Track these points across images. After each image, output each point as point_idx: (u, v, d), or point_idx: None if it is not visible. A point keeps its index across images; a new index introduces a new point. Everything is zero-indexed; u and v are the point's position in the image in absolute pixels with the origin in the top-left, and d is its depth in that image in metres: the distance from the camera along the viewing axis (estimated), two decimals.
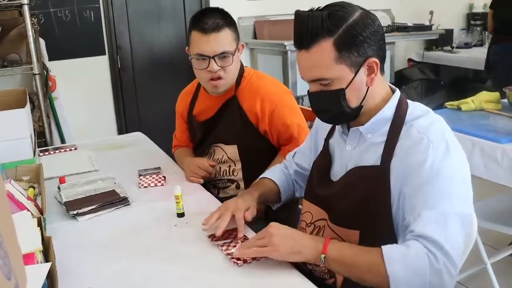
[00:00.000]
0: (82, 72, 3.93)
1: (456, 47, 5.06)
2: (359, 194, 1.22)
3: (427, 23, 4.97)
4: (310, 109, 1.36)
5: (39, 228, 1.20)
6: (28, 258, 1.03)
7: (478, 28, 5.27)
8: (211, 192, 1.84)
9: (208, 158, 1.92)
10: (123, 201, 1.66)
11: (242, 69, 1.89)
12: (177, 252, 1.35)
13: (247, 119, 1.85)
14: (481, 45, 5.14)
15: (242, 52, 1.86)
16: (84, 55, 3.92)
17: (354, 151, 1.29)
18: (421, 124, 1.20)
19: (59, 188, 1.77)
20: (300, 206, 1.51)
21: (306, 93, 1.31)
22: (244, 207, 1.42)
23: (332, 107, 1.24)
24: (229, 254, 1.29)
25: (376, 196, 1.19)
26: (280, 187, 1.58)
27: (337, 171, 1.33)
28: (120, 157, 2.19)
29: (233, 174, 1.88)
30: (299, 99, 3.96)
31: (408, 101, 1.28)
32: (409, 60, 5.32)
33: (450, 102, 2.57)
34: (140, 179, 1.86)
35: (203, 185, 1.84)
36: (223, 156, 1.89)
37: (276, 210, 1.67)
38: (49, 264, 1.02)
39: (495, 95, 2.52)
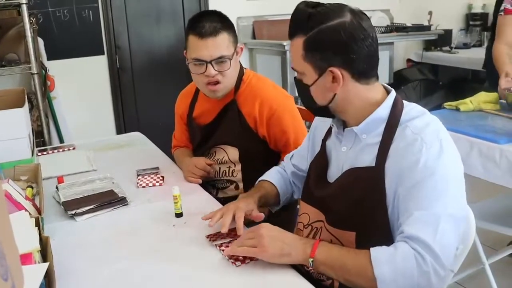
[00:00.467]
0: (81, 72, 3.92)
1: (455, 48, 5.06)
2: (355, 195, 1.22)
3: (426, 23, 4.97)
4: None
5: (37, 228, 1.20)
6: (26, 258, 1.03)
7: (477, 29, 5.27)
8: (210, 193, 1.84)
9: (208, 158, 1.92)
10: (121, 201, 1.66)
11: (241, 71, 1.88)
12: (175, 252, 1.35)
13: (246, 123, 1.84)
14: (480, 45, 5.14)
15: (241, 54, 1.84)
16: (83, 55, 3.91)
17: (350, 152, 1.29)
18: (416, 125, 1.19)
19: (57, 188, 1.77)
20: (299, 207, 1.50)
21: None
22: (245, 208, 1.42)
23: (303, 97, 1.31)
24: (227, 254, 1.29)
25: (371, 197, 1.19)
26: (279, 190, 1.58)
27: (333, 173, 1.33)
28: (118, 157, 2.19)
29: (232, 175, 1.88)
30: (297, 99, 3.97)
31: (404, 101, 1.28)
32: (408, 60, 5.32)
33: (449, 103, 2.56)
34: (139, 179, 1.86)
35: (202, 185, 1.84)
36: (223, 157, 1.88)
37: (277, 211, 1.67)
38: (46, 264, 1.02)
39: (494, 95, 2.52)
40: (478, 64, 4.34)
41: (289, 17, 1.26)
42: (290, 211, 1.74)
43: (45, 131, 3.26)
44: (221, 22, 1.73)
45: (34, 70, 3.04)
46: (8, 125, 1.77)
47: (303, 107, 1.90)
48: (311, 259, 1.16)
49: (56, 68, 3.53)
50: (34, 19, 3.21)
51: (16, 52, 3.11)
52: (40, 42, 3.36)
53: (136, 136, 2.55)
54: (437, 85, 5.14)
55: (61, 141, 3.41)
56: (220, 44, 1.71)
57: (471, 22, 5.36)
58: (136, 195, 1.73)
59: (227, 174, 1.89)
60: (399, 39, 4.80)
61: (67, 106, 3.58)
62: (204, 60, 1.71)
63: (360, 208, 1.21)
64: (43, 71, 3.33)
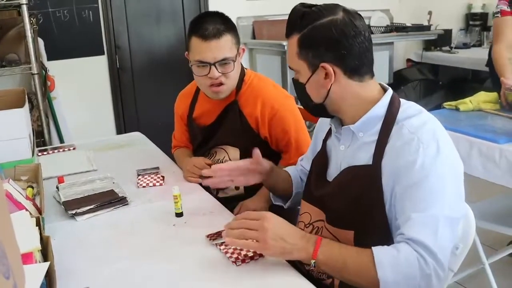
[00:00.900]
0: (81, 72, 3.93)
1: (455, 48, 5.06)
2: (353, 193, 1.23)
3: (426, 23, 4.98)
4: None
5: (37, 227, 1.20)
6: (27, 258, 1.03)
7: (477, 29, 5.27)
8: (210, 192, 1.84)
9: (209, 158, 1.92)
10: (122, 200, 1.66)
11: (242, 72, 1.88)
12: (175, 252, 1.35)
13: (247, 124, 1.84)
14: (480, 45, 5.14)
15: (243, 55, 1.84)
16: (83, 55, 3.92)
17: (347, 150, 1.29)
18: (413, 123, 1.20)
19: (57, 187, 1.77)
20: (299, 206, 1.51)
21: None
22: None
23: (300, 96, 1.33)
24: (226, 252, 1.29)
25: (369, 195, 1.20)
26: (292, 177, 1.60)
27: (332, 172, 1.34)
28: (118, 157, 2.20)
29: None
30: (297, 99, 3.97)
31: (402, 100, 1.28)
32: (408, 60, 5.32)
33: (448, 103, 2.57)
34: (139, 179, 1.86)
35: (202, 184, 1.84)
36: (224, 157, 1.89)
37: (278, 209, 1.67)
38: (47, 264, 1.02)
39: (493, 95, 2.52)
40: (478, 64, 4.35)
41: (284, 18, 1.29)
42: (291, 210, 1.74)
43: (46, 131, 3.26)
44: (224, 24, 1.73)
45: (35, 70, 3.04)
46: (9, 125, 1.77)
47: (301, 107, 1.90)
48: (313, 261, 1.15)
49: (56, 68, 3.53)
50: (34, 19, 3.21)
51: (17, 52, 3.11)
52: (40, 42, 3.36)
53: (136, 136, 2.55)
54: (437, 85, 5.14)
55: (61, 141, 3.41)
56: (224, 46, 1.71)
57: (471, 22, 5.36)
58: (136, 195, 1.73)
59: None
60: (399, 39, 4.81)
61: (67, 106, 3.58)
62: (208, 62, 1.72)
63: (358, 206, 1.21)
64: (43, 71, 3.33)
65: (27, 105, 1.91)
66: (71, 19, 3.81)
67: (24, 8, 2.94)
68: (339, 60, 1.22)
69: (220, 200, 1.75)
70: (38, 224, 1.22)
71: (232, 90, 1.84)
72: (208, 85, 1.77)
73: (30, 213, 1.31)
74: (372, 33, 4.70)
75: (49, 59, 3.46)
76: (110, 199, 1.65)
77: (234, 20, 1.83)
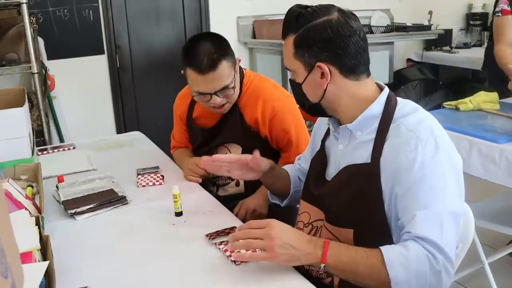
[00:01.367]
0: (81, 71, 3.93)
1: (455, 47, 5.06)
2: (351, 192, 1.23)
3: (426, 23, 4.97)
4: None
5: (37, 227, 1.20)
6: (26, 257, 1.03)
7: (477, 28, 5.27)
8: (210, 190, 1.84)
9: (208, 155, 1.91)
10: (121, 200, 1.66)
11: (241, 75, 1.87)
12: (175, 251, 1.35)
13: (247, 125, 1.85)
14: (480, 45, 5.14)
15: (239, 64, 1.84)
16: (83, 55, 3.92)
17: (346, 149, 1.30)
18: (410, 121, 1.20)
19: (57, 187, 1.77)
20: (298, 206, 1.51)
21: None
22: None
23: (297, 96, 1.34)
24: (225, 250, 1.29)
25: (367, 194, 1.20)
26: (290, 175, 1.60)
27: (331, 171, 1.34)
28: (118, 156, 2.20)
29: None
30: None
31: (398, 98, 1.28)
32: (408, 60, 5.32)
33: (448, 102, 2.57)
34: (139, 178, 1.86)
35: (202, 182, 1.84)
36: (226, 154, 1.88)
37: (276, 209, 1.67)
38: (46, 263, 1.02)
39: (493, 95, 2.52)
40: (478, 64, 4.34)
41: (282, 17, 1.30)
42: (289, 209, 1.74)
43: (45, 131, 3.26)
44: (217, 50, 1.69)
45: (34, 70, 3.04)
46: (8, 125, 1.77)
47: None
48: (323, 265, 1.14)
49: (56, 67, 3.53)
50: (34, 18, 3.21)
51: (16, 51, 3.11)
52: (40, 41, 3.37)
53: (136, 136, 2.56)
54: (437, 84, 5.14)
55: (61, 140, 3.41)
56: (221, 75, 1.70)
57: (471, 22, 5.36)
58: (136, 194, 1.73)
59: None
60: (399, 38, 4.80)
61: (67, 105, 3.59)
62: (208, 93, 1.72)
63: (357, 204, 1.21)
64: (43, 70, 3.33)
65: (26, 105, 1.91)
66: (71, 18, 3.80)
67: (24, 7, 2.94)
68: (335, 60, 1.22)
69: (220, 198, 1.75)
70: (37, 223, 1.22)
71: (233, 102, 1.84)
72: (211, 107, 1.79)
73: (30, 213, 1.31)
74: (372, 32, 4.69)
75: (49, 58, 3.46)
76: (109, 199, 1.65)
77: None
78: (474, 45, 5.17)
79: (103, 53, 4.03)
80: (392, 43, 4.67)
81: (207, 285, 1.19)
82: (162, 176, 1.87)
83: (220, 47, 1.72)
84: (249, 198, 1.83)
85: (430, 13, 5.01)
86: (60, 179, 1.85)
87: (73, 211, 1.58)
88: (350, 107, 1.26)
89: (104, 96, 4.12)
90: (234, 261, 1.25)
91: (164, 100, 4.10)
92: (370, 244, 1.14)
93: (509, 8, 2.70)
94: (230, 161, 1.51)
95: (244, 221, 1.52)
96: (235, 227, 1.42)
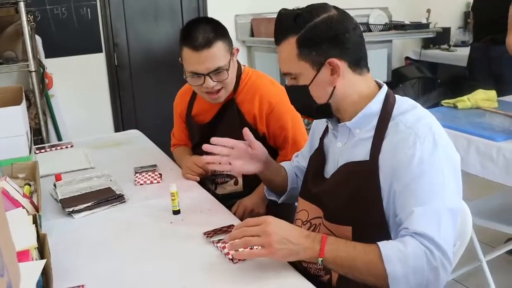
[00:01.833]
0: (79, 69, 3.92)
1: (453, 46, 5.06)
2: (350, 189, 1.23)
3: (424, 21, 4.97)
4: None
5: (34, 225, 1.20)
6: (23, 255, 1.03)
7: None
8: (208, 188, 1.84)
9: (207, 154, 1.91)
10: (119, 198, 1.66)
11: (239, 70, 1.87)
12: (172, 249, 1.35)
13: (245, 121, 1.84)
14: None
15: (237, 55, 1.83)
16: (81, 53, 3.91)
17: (344, 147, 1.30)
18: (408, 119, 1.21)
19: (55, 185, 1.77)
20: (297, 204, 1.51)
21: None
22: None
23: (301, 101, 1.31)
24: (223, 248, 1.29)
25: (366, 191, 1.20)
26: (287, 172, 1.59)
27: (330, 169, 1.35)
28: (116, 155, 2.19)
29: None
30: None
31: (396, 96, 1.29)
32: (406, 58, 5.32)
33: (446, 100, 2.57)
34: (136, 177, 1.86)
35: (200, 180, 1.84)
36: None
37: (274, 207, 1.67)
38: (43, 261, 1.02)
39: (492, 93, 2.52)
40: None
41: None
42: (287, 207, 1.74)
43: (43, 129, 3.26)
44: (214, 31, 1.70)
45: (32, 68, 3.03)
46: (6, 123, 1.76)
47: None
48: (321, 259, 1.14)
49: (54, 66, 3.52)
50: (32, 16, 3.20)
51: (14, 50, 3.10)
52: (38, 39, 3.36)
53: (134, 134, 2.55)
54: (435, 83, 5.14)
55: (59, 138, 3.41)
56: (216, 55, 1.69)
57: (469, 20, 5.35)
58: (133, 192, 1.73)
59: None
60: (397, 37, 4.80)
61: (65, 104, 3.58)
62: (201, 73, 1.71)
63: (355, 202, 1.21)
64: (41, 69, 3.32)
65: (24, 103, 1.90)
66: (69, 16, 3.80)
67: (22, 5, 2.93)
68: (344, 54, 1.22)
69: (218, 197, 1.74)
70: (35, 221, 1.22)
71: (230, 91, 1.83)
72: (204, 93, 1.77)
73: (27, 211, 1.30)
74: (370, 31, 4.69)
75: (47, 56, 3.46)
76: (107, 197, 1.65)
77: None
78: (470, 45, 5.17)
79: (101, 51, 4.02)
80: (390, 41, 4.67)
81: (205, 284, 1.19)
82: (160, 174, 1.87)
83: (216, 29, 1.72)
84: (247, 197, 1.83)
85: (428, 11, 5.01)
86: (58, 177, 1.85)
87: (70, 209, 1.57)
88: (352, 104, 1.26)
89: (102, 95, 4.12)
90: (232, 259, 1.25)
91: (162, 98, 4.10)
92: (368, 241, 1.14)
93: None
94: (230, 144, 1.49)
95: (242, 220, 1.51)
96: (233, 225, 1.42)
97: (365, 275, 1.13)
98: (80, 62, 3.91)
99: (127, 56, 4.17)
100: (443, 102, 2.59)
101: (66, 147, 2.32)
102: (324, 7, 1.25)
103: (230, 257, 1.26)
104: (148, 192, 1.75)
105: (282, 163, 1.63)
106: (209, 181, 1.95)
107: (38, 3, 3.64)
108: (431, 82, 5.13)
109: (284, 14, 1.27)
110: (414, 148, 1.15)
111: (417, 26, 4.84)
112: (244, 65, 1.93)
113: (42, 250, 1.15)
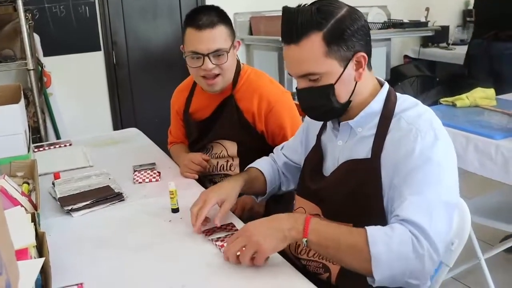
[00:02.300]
0: (77, 68, 3.91)
1: (452, 44, 5.06)
2: (351, 186, 1.23)
3: (423, 19, 4.97)
4: None
5: (33, 223, 1.20)
6: (22, 254, 1.03)
7: None
8: (207, 187, 1.83)
9: (205, 153, 1.91)
10: (118, 196, 1.66)
11: (238, 67, 1.87)
12: (171, 248, 1.35)
13: (244, 118, 1.84)
14: None
15: (239, 49, 1.84)
16: (79, 51, 3.90)
17: (345, 145, 1.30)
18: (410, 115, 1.21)
19: (53, 183, 1.77)
20: (294, 202, 1.51)
21: None
22: (225, 196, 1.41)
23: (321, 104, 1.24)
24: (222, 246, 1.29)
25: (367, 188, 1.20)
26: (267, 178, 1.58)
27: (329, 166, 1.34)
28: (115, 153, 2.19)
29: (230, 169, 1.88)
30: (295, 95, 3.97)
31: (397, 94, 1.29)
32: (405, 56, 5.32)
33: (445, 99, 2.57)
34: (135, 175, 1.86)
35: (199, 180, 1.84)
36: (221, 151, 1.88)
37: (273, 205, 1.67)
38: (42, 260, 1.02)
39: (490, 91, 2.53)
40: None
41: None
42: (285, 205, 1.74)
43: (42, 127, 3.25)
44: (218, 16, 1.73)
45: (30, 66, 3.03)
46: (4, 121, 1.76)
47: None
48: (305, 239, 1.13)
49: (53, 64, 3.52)
50: (30, 15, 3.19)
51: (12, 48, 3.09)
52: (36, 38, 3.35)
53: (133, 132, 2.55)
54: (434, 81, 5.14)
55: (58, 137, 3.40)
56: (218, 36, 1.70)
57: (468, 19, 5.36)
58: (132, 190, 1.73)
59: (225, 169, 1.89)
60: (396, 35, 4.80)
61: (63, 102, 3.57)
62: (201, 53, 1.71)
63: (356, 199, 1.21)
64: (39, 67, 3.32)
65: (22, 101, 1.90)
66: (67, 14, 3.79)
67: (20, 3, 2.93)
68: (367, 47, 1.22)
69: None
70: (33, 220, 1.22)
71: (228, 83, 1.83)
72: (202, 77, 1.77)
73: (26, 209, 1.30)
74: (370, 29, 4.69)
75: (45, 55, 3.45)
76: (106, 195, 1.65)
77: (231, 16, 1.83)
78: (469, 43, 5.16)
79: (99, 49, 4.01)
80: (389, 39, 4.67)
81: (204, 282, 1.19)
82: (159, 172, 1.87)
83: (221, 15, 1.75)
84: (246, 195, 1.83)
85: (427, 9, 5.01)
86: (56, 175, 1.84)
87: (69, 207, 1.57)
88: (359, 102, 1.26)
89: (100, 93, 4.11)
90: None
91: (161, 96, 4.08)
92: None
93: None
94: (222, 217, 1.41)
95: (241, 217, 1.51)
96: (231, 223, 1.42)
97: (349, 258, 1.11)
98: (78, 61, 3.90)
99: (125, 55, 4.17)
100: (441, 100, 2.59)
101: (65, 146, 2.31)
102: (336, 1, 1.21)
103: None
104: (147, 190, 1.75)
105: (261, 165, 1.61)
106: (207, 179, 1.95)
107: (36, 1, 3.63)
108: (429, 81, 5.13)
109: (299, 10, 1.18)
110: (415, 142, 1.15)
111: (416, 25, 4.84)
112: (243, 63, 1.93)
113: (40, 248, 1.14)
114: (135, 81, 4.24)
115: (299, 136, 1.57)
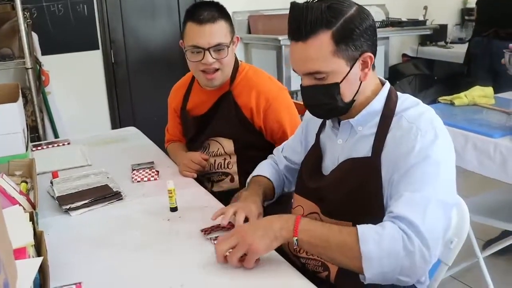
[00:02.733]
0: (76, 66, 3.90)
1: (450, 43, 5.06)
2: (351, 185, 1.23)
3: (421, 18, 4.97)
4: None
5: (31, 222, 1.19)
6: (20, 253, 1.03)
7: (472, 24, 5.26)
8: (205, 186, 1.84)
9: (203, 151, 1.91)
10: (116, 195, 1.65)
11: (236, 63, 1.88)
12: (169, 247, 1.35)
13: (242, 114, 1.84)
14: None
15: (237, 46, 1.84)
16: (78, 50, 3.89)
17: (345, 144, 1.29)
18: (411, 114, 1.21)
19: (51, 182, 1.76)
20: (293, 200, 1.51)
21: (300, 88, 1.30)
22: (256, 212, 1.39)
23: (325, 102, 1.23)
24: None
25: (367, 187, 1.20)
26: (274, 184, 1.58)
27: (329, 165, 1.34)
28: (113, 152, 2.19)
29: (227, 167, 1.88)
30: (293, 94, 3.96)
31: (398, 93, 1.29)
32: (404, 55, 5.32)
33: (444, 97, 2.57)
34: (134, 174, 1.85)
35: (197, 178, 1.84)
36: (218, 149, 1.88)
37: (273, 205, 1.66)
38: (40, 259, 1.01)
39: (489, 90, 2.53)
40: None
41: (284, 12, 1.24)
42: (284, 205, 1.74)
43: (40, 126, 3.25)
44: (219, 11, 1.74)
45: (29, 65, 3.02)
46: (2, 120, 1.75)
47: (299, 101, 1.90)
48: (295, 238, 1.14)
49: (51, 63, 3.51)
50: (28, 13, 3.19)
51: (10, 46, 3.09)
52: (34, 36, 3.34)
53: (131, 131, 2.55)
54: (432, 79, 5.15)
55: (56, 136, 3.40)
56: (218, 31, 1.72)
57: (466, 17, 5.36)
58: (131, 189, 1.73)
59: (222, 167, 1.88)
60: (395, 34, 4.80)
61: (61, 101, 3.57)
62: (202, 48, 1.71)
63: (356, 197, 1.21)
64: (38, 66, 3.31)
65: (21, 100, 1.90)
66: (66, 13, 3.78)
67: (18, 2, 2.92)
68: (373, 47, 1.22)
69: (215, 194, 1.74)
70: (31, 219, 1.22)
71: (226, 79, 1.83)
72: (202, 72, 1.77)
73: (24, 208, 1.30)
74: (376, 28, 4.69)
75: (43, 53, 3.44)
76: (104, 194, 1.65)
77: (230, 14, 1.82)
78: (469, 40, 5.17)
79: (97, 48, 4.00)
80: (387, 38, 4.67)
81: (202, 281, 1.19)
82: (157, 171, 1.87)
83: (221, 10, 1.76)
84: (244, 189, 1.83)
85: (425, 8, 5.01)
86: (55, 174, 1.84)
87: (67, 206, 1.57)
88: (361, 100, 1.26)
89: (99, 92, 4.10)
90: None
91: (159, 95, 4.07)
92: None
93: None
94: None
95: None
96: (230, 222, 1.42)
97: (340, 256, 1.11)
98: (76, 59, 3.89)
99: (124, 53, 4.16)
100: (440, 99, 2.59)
101: (63, 144, 2.31)
102: None
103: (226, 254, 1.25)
104: (145, 189, 1.74)
105: (267, 172, 1.60)
106: (205, 178, 1.94)
107: (35, 0, 3.63)
108: (428, 79, 5.13)
109: (308, 6, 1.16)
110: (415, 140, 1.15)
111: (414, 23, 4.84)
112: (241, 61, 1.93)
113: (39, 247, 1.14)
114: (134, 80, 4.24)
115: (298, 135, 1.57)
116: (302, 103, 1.33)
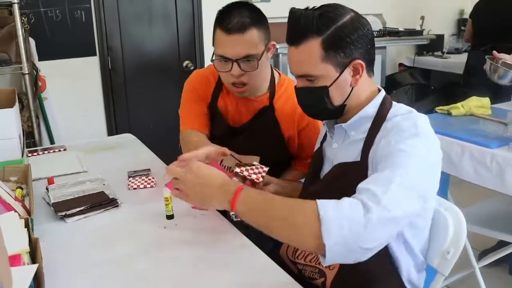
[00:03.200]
0: (73, 72, 3.90)
1: (447, 53, 5.09)
2: (340, 189, 1.21)
3: (418, 28, 5.00)
4: None
5: (26, 229, 1.19)
6: (15, 260, 1.02)
7: None
8: None
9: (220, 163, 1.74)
10: (112, 202, 1.65)
11: (272, 73, 1.76)
12: (165, 254, 1.34)
13: (281, 135, 1.74)
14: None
15: (273, 51, 1.70)
16: (75, 56, 3.89)
17: (339, 148, 1.32)
18: (399, 120, 1.21)
19: (47, 189, 1.76)
20: None
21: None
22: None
23: (315, 103, 1.28)
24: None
25: (355, 190, 1.19)
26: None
27: (325, 169, 1.38)
28: (109, 159, 2.18)
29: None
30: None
31: (394, 102, 1.30)
32: (400, 64, 5.35)
33: (440, 107, 2.58)
34: (130, 181, 1.85)
35: None
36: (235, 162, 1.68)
37: None
38: (35, 266, 1.01)
39: (485, 100, 2.54)
40: None
41: (281, 20, 1.27)
42: None
43: (36, 132, 3.23)
44: (251, 17, 1.58)
45: (25, 70, 3.02)
46: None
47: None
48: (233, 213, 1.15)
49: (48, 68, 3.50)
50: (26, 19, 3.19)
51: (7, 52, 3.08)
52: (32, 42, 3.34)
53: (128, 138, 2.54)
54: (429, 89, 5.17)
55: (52, 142, 3.38)
56: (248, 41, 1.57)
57: (462, 28, 5.39)
58: (127, 196, 1.72)
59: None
60: (391, 43, 4.82)
61: (58, 107, 3.56)
62: (229, 59, 1.59)
63: None
64: (34, 71, 3.31)
65: (17, 105, 1.89)
66: (63, 19, 3.78)
67: (16, 7, 2.92)
68: (366, 54, 1.24)
69: None
70: (27, 225, 1.21)
71: (257, 89, 1.73)
72: (230, 83, 1.66)
73: (19, 215, 1.29)
74: (374, 36, 4.71)
75: (40, 59, 3.44)
76: (100, 201, 1.64)
77: (266, 17, 1.65)
78: (466, 51, 5.20)
79: (95, 54, 4.00)
80: (384, 47, 4.69)
81: None
82: (154, 178, 1.86)
83: (254, 16, 1.60)
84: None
85: (422, 18, 5.04)
86: (50, 181, 1.83)
87: (63, 213, 1.56)
88: (355, 106, 1.28)
89: (95, 98, 4.09)
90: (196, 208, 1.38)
91: (156, 102, 4.09)
92: None
93: None
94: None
95: None
96: (253, 165, 1.46)
97: (290, 224, 1.06)
98: (73, 65, 3.89)
99: (121, 60, 4.16)
100: (437, 108, 2.60)
101: (59, 151, 2.30)
102: (342, 7, 1.24)
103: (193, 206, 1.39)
104: (142, 196, 1.74)
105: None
106: None
107: (32, 5, 3.62)
108: (424, 89, 5.15)
109: (302, 14, 1.22)
110: (394, 136, 1.15)
111: (411, 33, 4.87)
112: (276, 69, 1.81)
113: (34, 254, 1.13)
114: (130, 87, 4.23)
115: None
116: None
